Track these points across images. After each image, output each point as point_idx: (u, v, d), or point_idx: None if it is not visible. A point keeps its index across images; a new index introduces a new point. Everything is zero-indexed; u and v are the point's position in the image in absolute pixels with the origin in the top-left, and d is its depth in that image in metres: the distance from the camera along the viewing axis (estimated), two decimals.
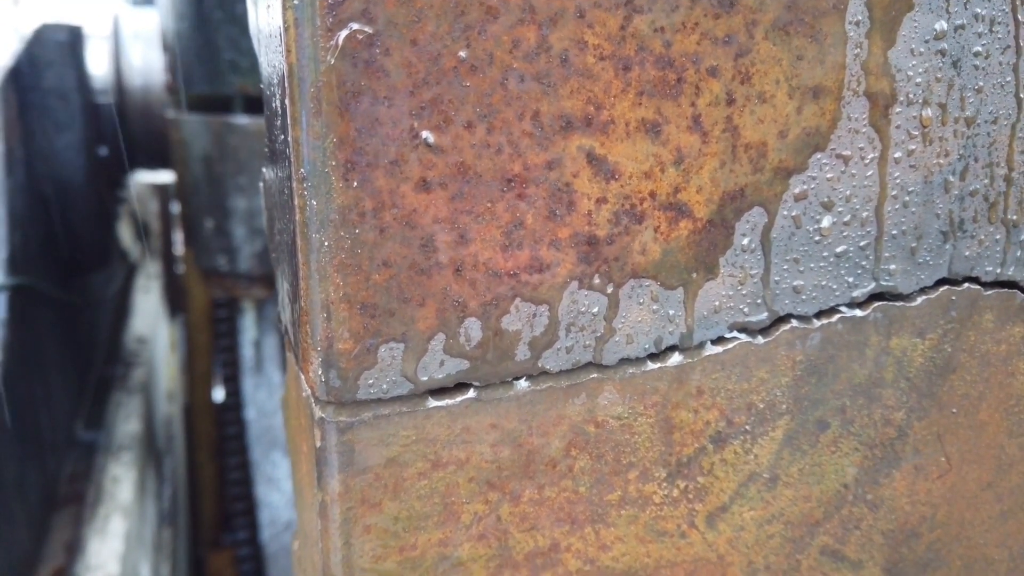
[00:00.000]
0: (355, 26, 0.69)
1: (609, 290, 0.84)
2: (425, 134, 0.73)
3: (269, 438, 3.68)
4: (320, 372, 0.76)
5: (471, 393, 0.82)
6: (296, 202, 0.74)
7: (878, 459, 1.03)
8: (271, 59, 0.78)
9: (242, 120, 2.93)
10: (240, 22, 2.84)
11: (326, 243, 0.73)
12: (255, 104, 2.92)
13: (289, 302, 0.86)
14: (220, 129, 3.02)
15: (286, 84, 0.71)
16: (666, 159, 0.82)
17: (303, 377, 0.81)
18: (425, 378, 0.79)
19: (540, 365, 0.83)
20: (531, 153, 0.77)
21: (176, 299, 4.24)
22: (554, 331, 0.83)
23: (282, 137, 0.77)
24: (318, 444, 0.79)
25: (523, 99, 0.76)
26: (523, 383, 0.83)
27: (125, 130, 3.66)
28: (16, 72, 2.86)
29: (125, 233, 4.33)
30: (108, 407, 3.38)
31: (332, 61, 0.69)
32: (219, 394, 3.49)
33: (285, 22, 0.69)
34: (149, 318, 4.17)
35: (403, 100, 0.72)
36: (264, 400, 3.73)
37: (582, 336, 0.84)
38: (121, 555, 2.65)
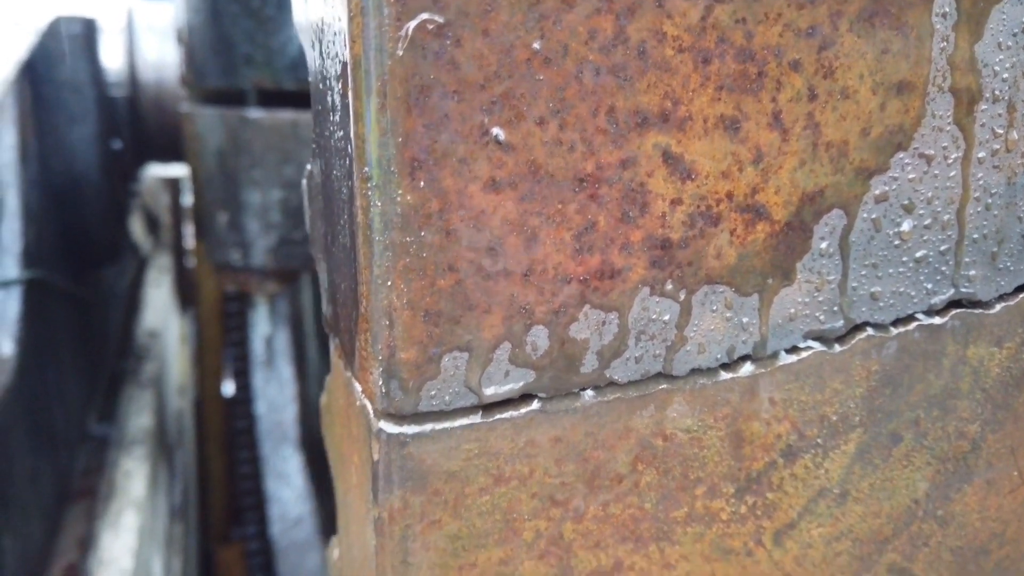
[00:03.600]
0: (425, 15, 0.64)
1: (682, 296, 0.79)
2: (496, 131, 0.69)
3: (279, 433, 3.65)
4: (380, 383, 0.72)
5: (535, 405, 0.77)
6: (358, 202, 0.69)
7: (950, 473, 0.98)
8: (328, 50, 0.74)
9: (257, 114, 2.90)
10: (256, 16, 2.79)
11: (390, 246, 0.68)
12: (269, 98, 2.88)
13: (339, 305, 0.81)
14: (234, 123, 2.99)
15: (349, 77, 0.67)
16: (744, 158, 0.77)
17: (358, 386, 0.77)
18: (489, 390, 0.75)
19: (608, 375, 0.79)
20: (605, 151, 0.73)
21: (187, 293, 4.22)
22: (623, 339, 0.78)
23: (340, 133, 0.72)
24: (376, 457, 0.74)
25: (598, 93, 0.71)
26: (590, 394, 0.79)
27: (138, 123, 3.64)
28: (30, 65, 2.83)
29: (137, 226, 4.31)
30: (120, 401, 3.37)
31: (400, 53, 0.64)
32: (229, 388, 3.47)
33: (351, 11, 0.65)
34: (160, 312, 4.15)
35: (473, 94, 0.67)
36: (275, 395, 3.70)
37: (652, 345, 0.80)
38: (134, 550, 2.63)
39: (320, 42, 0.78)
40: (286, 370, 3.81)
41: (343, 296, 0.80)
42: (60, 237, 2.97)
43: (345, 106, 0.70)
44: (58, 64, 3.12)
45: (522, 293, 0.73)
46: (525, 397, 0.77)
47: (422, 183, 0.68)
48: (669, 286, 0.78)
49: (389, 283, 0.69)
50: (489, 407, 0.76)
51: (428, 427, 0.74)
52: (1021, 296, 0.94)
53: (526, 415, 0.77)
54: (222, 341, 3.45)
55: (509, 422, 0.76)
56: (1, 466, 2.02)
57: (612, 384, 0.79)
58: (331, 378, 0.92)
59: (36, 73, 2.91)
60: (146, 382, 3.52)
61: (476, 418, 0.75)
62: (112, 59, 3.60)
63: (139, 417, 3.31)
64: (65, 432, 2.75)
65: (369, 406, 0.74)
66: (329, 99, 0.76)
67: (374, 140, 0.66)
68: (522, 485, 0.78)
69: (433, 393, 0.73)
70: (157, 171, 4.20)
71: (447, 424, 0.74)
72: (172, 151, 3.62)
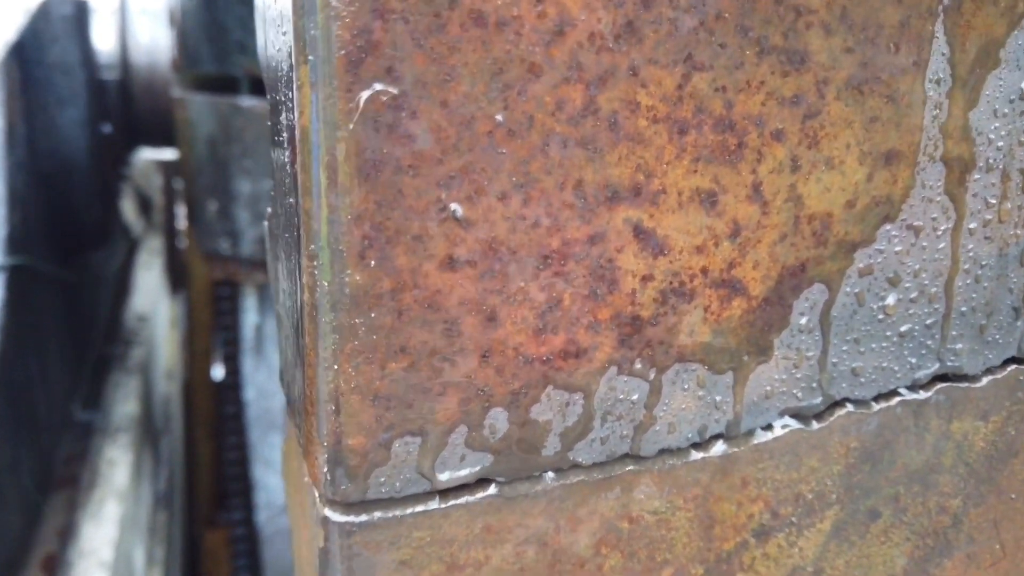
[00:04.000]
0: (379, 86, 0.60)
1: (651, 376, 0.75)
2: (454, 206, 0.64)
3: (268, 419, 3.62)
4: (326, 469, 0.67)
5: (493, 489, 0.73)
6: (304, 280, 0.64)
7: (930, 548, 0.94)
8: (286, 114, 0.69)
9: (249, 102, 2.85)
10: (249, 2, 2.74)
11: (337, 328, 0.64)
12: (262, 86, 2.83)
13: (287, 369, 0.77)
14: (226, 111, 2.95)
15: (297, 148, 0.62)
16: (721, 232, 0.73)
17: (306, 465, 0.72)
18: (444, 476, 0.71)
19: (571, 458, 0.75)
20: (572, 227, 0.68)
21: (178, 275, 4.17)
22: (588, 421, 0.74)
23: (291, 201, 0.68)
24: (321, 545, 0.70)
25: (565, 167, 0.66)
26: (551, 477, 0.75)
27: (129, 107, 3.58)
28: (20, 46, 2.77)
29: (128, 208, 4.26)
30: (106, 387, 3.33)
31: (351, 126, 0.60)
32: (219, 372, 3.44)
33: (299, 80, 0.60)
34: (150, 295, 4.10)
35: (430, 169, 0.63)
36: (264, 381, 3.67)
37: (619, 425, 0.75)
38: (115, 541, 2.60)
39: (275, 85, 0.73)
40: (275, 357, 3.77)
41: (290, 364, 0.75)
42: (47, 221, 2.92)
43: (294, 175, 0.65)
44: (48, 46, 3.06)
45: (480, 375, 0.69)
46: (482, 481, 0.73)
47: (373, 262, 0.63)
48: (638, 365, 0.74)
49: (336, 367, 0.65)
50: (444, 492, 0.72)
51: (377, 515, 0.70)
52: (1011, 369, 0.90)
53: (483, 500, 0.73)
54: (213, 325, 3.42)
55: (464, 508, 0.72)
56: None
57: (576, 466, 0.75)
58: (286, 438, 0.88)
59: (26, 54, 2.85)
60: (133, 368, 3.48)
61: (429, 505, 0.71)
62: (104, 41, 3.54)
63: (125, 404, 3.27)
64: (48, 419, 2.72)
65: (315, 491, 0.70)
66: (281, 156, 0.71)
67: (322, 217, 0.62)
68: (477, 572, 0.74)
69: (383, 480, 0.69)
70: (150, 153, 4.15)
71: (397, 512, 0.70)
72: (163, 136, 3.57)
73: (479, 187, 0.64)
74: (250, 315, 3.88)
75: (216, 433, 3.48)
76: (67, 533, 2.57)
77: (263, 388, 3.60)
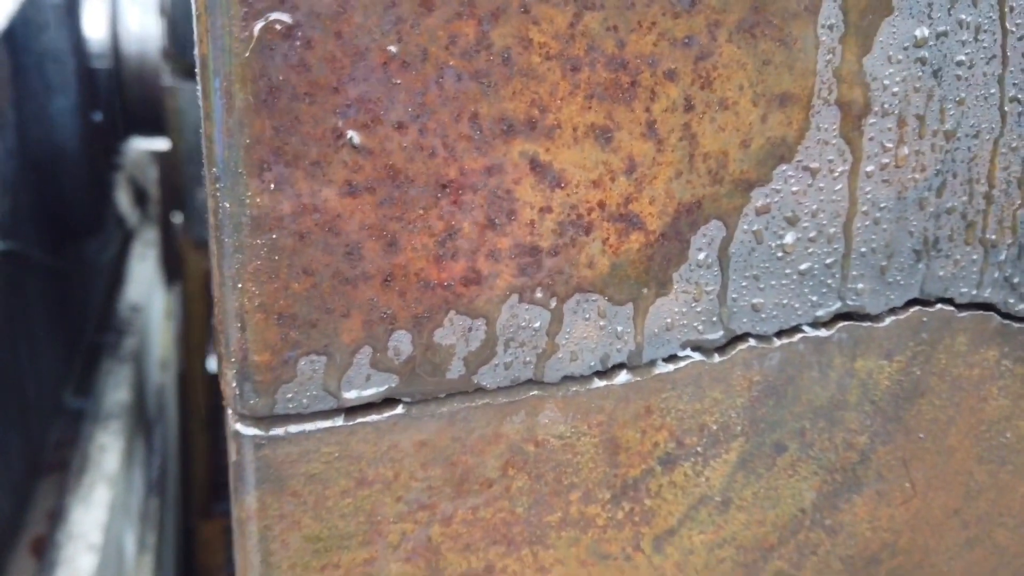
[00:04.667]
0: (273, 16, 0.64)
1: (552, 304, 0.79)
2: (351, 134, 0.68)
3: None
4: (235, 384, 0.72)
5: (399, 409, 0.77)
6: (210, 204, 0.69)
7: (838, 484, 0.98)
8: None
9: None
10: None
11: (240, 248, 0.68)
12: None
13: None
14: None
15: (199, 76, 0.66)
16: (617, 167, 0.77)
17: (221, 384, 0.77)
18: (350, 394, 0.75)
19: (476, 381, 0.79)
20: (468, 157, 0.72)
21: (174, 267, 4.20)
22: (491, 346, 0.78)
23: (202, 130, 0.72)
24: (233, 458, 0.74)
25: (460, 99, 0.70)
26: (456, 400, 0.79)
27: (120, 96, 3.60)
28: (10, 33, 2.80)
29: (123, 199, 4.29)
30: (98, 375, 3.36)
31: (247, 54, 0.64)
32: (213, 364, 3.46)
33: (197, 9, 0.64)
34: (144, 286, 4.13)
35: (326, 97, 0.67)
36: None
37: (522, 352, 0.79)
38: (104, 524, 2.64)
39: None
40: None
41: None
42: (38, 209, 2.95)
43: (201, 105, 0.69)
44: (39, 33, 3.09)
45: (383, 298, 0.73)
46: (389, 401, 0.77)
47: (272, 186, 0.67)
48: (539, 294, 0.78)
49: (240, 285, 0.69)
50: (351, 411, 0.76)
51: (285, 429, 0.74)
52: (913, 310, 0.94)
53: (389, 419, 0.77)
54: (207, 317, 3.44)
55: (372, 426, 0.76)
56: None
57: (480, 390, 0.79)
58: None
59: (16, 42, 2.88)
60: (126, 356, 3.51)
61: (336, 421, 0.75)
62: (94, 30, 3.56)
63: (116, 392, 3.30)
64: (38, 405, 2.75)
65: (228, 409, 0.74)
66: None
67: (221, 141, 0.66)
68: (386, 488, 0.79)
69: (289, 396, 0.73)
70: (145, 143, 4.18)
71: (305, 427, 0.74)
72: (155, 124, 3.59)
73: (375, 116, 0.68)
74: None
75: (211, 424, 3.51)
76: (56, 516, 2.60)
77: None
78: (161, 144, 3.93)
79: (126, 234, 4.29)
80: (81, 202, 3.36)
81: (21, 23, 2.90)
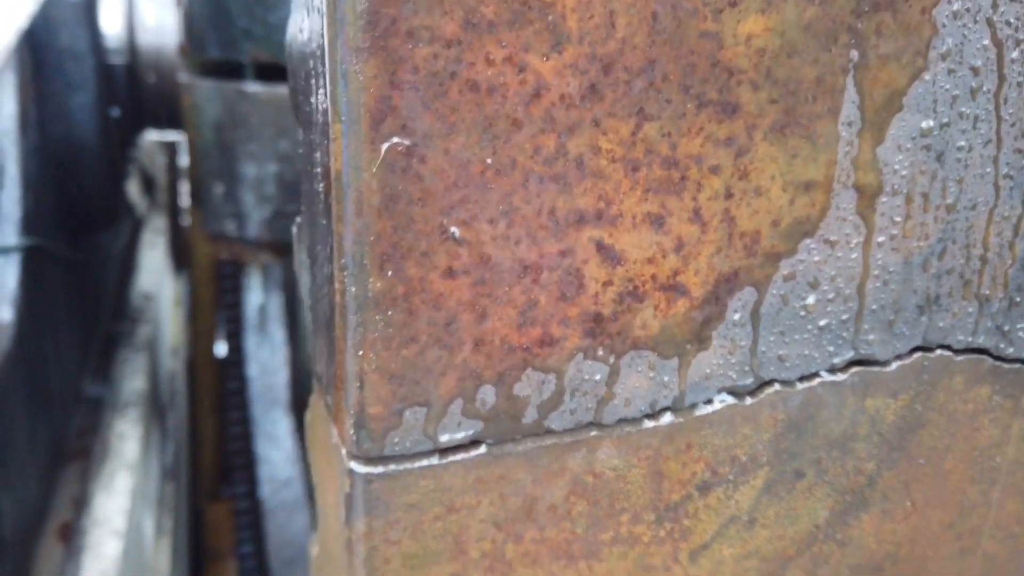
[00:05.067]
0: (396, 139, 0.78)
1: (611, 360, 0.93)
2: (453, 229, 0.82)
3: (270, 396, 3.74)
4: (352, 432, 0.86)
5: (483, 449, 0.92)
6: (336, 286, 0.83)
7: (848, 503, 1.13)
8: (319, 153, 0.87)
9: (254, 88, 2.91)
10: None
11: (362, 324, 0.82)
12: (267, 72, 2.92)
13: (319, 354, 0.96)
14: (232, 96, 3.01)
15: (332, 185, 0.80)
16: (668, 247, 0.91)
17: (335, 429, 0.91)
18: (444, 437, 0.89)
19: (546, 425, 0.93)
20: (546, 244, 0.86)
21: (182, 253, 4.23)
22: (560, 396, 0.93)
23: (324, 222, 0.86)
24: (347, 491, 0.89)
25: (541, 197, 0.85)
26: (530, 440, 0.93)
27: (137, 91, 3.67)
28: (31, 33, 2.86)
29: (133, 188, 4.34)
30: (114, 364, 3.44)
31: (374, 170, 0.78)
32: (222, 350, 3.52)
33: (334, 134, 0.78)
34: (155, 273, 4.18)
35: (435, 201, 0.81)
36: (266, 358, 3.79)
37: (585, 400, 0.94)
38: (127, 510, 2.73)
39: (311, 135, 0.90)
40: (278, 334, 3.89)
41: (322, 350, 0.94)
42: (58, 203, 3.01)
43: (328, 205, 0.83)
44: (59, 31, 3.14)
45: (473, 359, 0.88)
46: (475, 442, 0.92)
47: (390, 272, 0.81)
48: (600, 352, 0.92)
49: (360, 353, 0.83)
50: (444, 451, 0.91)
51: (391, 467, 0.89)
52: (916, 356, 1.09)
53: (475, 457, 0.92)
54: (215, 303, 3.50)
55: (460, 463, 0.91)
56: (1, 429, 2.10)
57: (549, 432, 0.94)
58: (312, 408, 1.07)
59: (37, 41, 2.94)
60: (140, 344, 3.60)
61: (432, 460, 0.90)
62: (111, 25, 3.61)
63: (133, 380, 3.39)
64: (61, 394, 2.83)
65: (343, 448, 0.89)
66: (314, 185, 0.89)
67: (350, 238, 0.80)
68: (471, 514, 0.94)
69: (396, 440, 0.88)
70: (154, 134, 4.22)
71: (407, 465, 0.89)
72: (170, 119, 3.65)
73: (473, 214, 0.83)
74: (254, 294, 4.00)
75: (219, 409, 3.59)
76: (81, 503, 2.70)
77: (266, 365, 3.72)
78: (172, 135, 3.98)
79: (136, 222, 4.33)
80: (98, 196, 3.43)
81: (42, 22, 2.94)
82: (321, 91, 0.81)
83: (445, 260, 0.83)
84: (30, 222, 2.48)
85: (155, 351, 3.69)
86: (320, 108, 0.82)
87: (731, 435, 1.02)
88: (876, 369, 1.07)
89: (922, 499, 1.18)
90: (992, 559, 1.27)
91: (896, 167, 0.98)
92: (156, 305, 3.92)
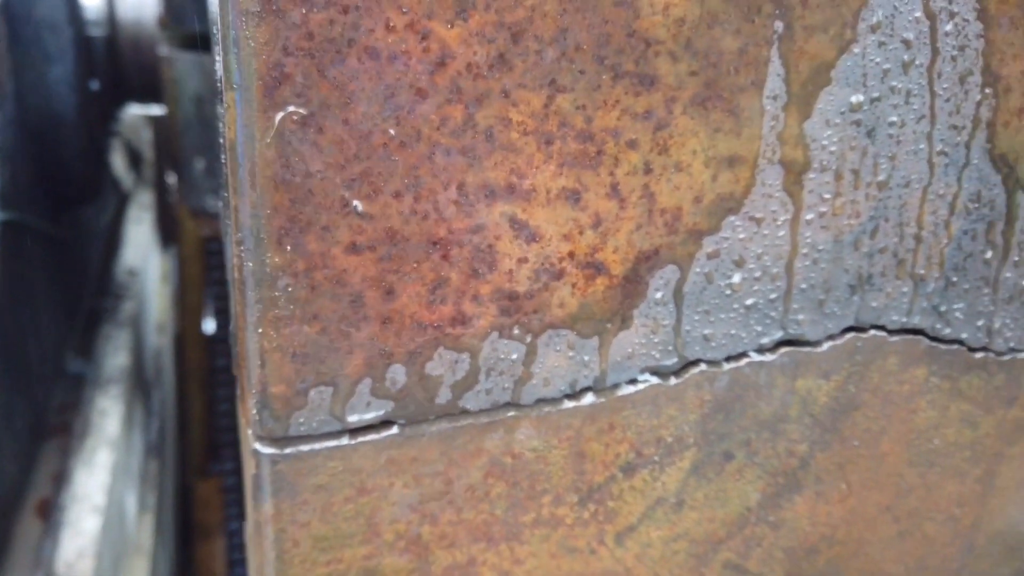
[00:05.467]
0: (291, 108, 0.75)
1: (528, 340, 0.91)
2: (355, 203, 0.80)
3: None
4: (255, 412, 0.84)
5: (394, 430, 0.90)
6: (234, 262, 0.80)
7: (781, 486, 1.12)
8: (221, 123, 0.84)
9: None
10: None
11: (260, 300, 0.80)
12: None
13: (235, 337, 0.93)
14: (212, 69, 3.00)
15: (227, 156, 0.77)
16: (585, 223, 0.89)
17: (241, 410, 0.89)
18: (353, 418, 0.87)
19: (461, 405, 0.91)
20: (456, 219, 0.84)
21: (169, 229, 4.22)
22: (475, 375, 0.91)
23: (226, 195, 0.83)
24: (252, 472, 0.87)
25: (449, 171, 0.82)
26: (444, 421, 0.91)
27: (117, 64, 3.64)
28: (7, 3, 2.83)
29: (118, 163, 4.32)
30: (97, 340, 3.44)
31: (268, 140, 0.75)
32: (210, 326, 3.51)
33: (226, 102, 0.75)
34: (141, 249, 4.17)
35: (335, 173, 0.78)
36: None
37: (501, 379, 0.92)
38: (107, 486, 2.74)
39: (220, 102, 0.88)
40: None
41: (233, 326, 0.91)
42: (37, 177, 2.99)
43: (226, 175, 0.80)
44: (36, 2, 3.11)
45: (381, 337, 0.85)
46: (386, 423, 0.90)
47: (288, 247, 0.79)
48: (516, 331, 0.90)
49: (260, 330, 0.81)
50: (353, 431, 0.89)
51: (298, 448, 0.86)
52: (848, 336, 1.07)
53: (386, 439, 0.90)
54: (203, 280, 3.48)
55: (371, 444, 0.89)
56: None
57: (465, 412, 0.92)
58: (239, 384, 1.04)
59: (12, 11, 2.91)
60: (124, 321, 3.59)
61: (342, 441, 0.88)
62: None
63: (116, 356, 3.39)
64: (40, 370, 2.83)
65: (248, 430, 0.87)
66: (222, 158, 0.87)
67: (246, 211, 0.77)
68: (383, 495, 0.92)
69: (302, 420, 0.86)
70: (140, 108, 4.19)
71: (314, 446, 0.87)
72: (151, 93, 3.63)
73: (376, 188, 0.80)
74: None
75: (208, 386, 3.59)
76: (61, 479, 2.70)
77: None
78: (156, 110, 3.96)
79: (121, 198, 4.32)
80: (79, 170, 3.41)
81: None
82: (218, 58, 0.78)
83: (348, 235, 0.81)
84: (7, 196, 2.45)
85: (140, 327, 3.66)
86: (217, 76, 0.79)
87: (656, 416, 1.01)
88: (807, 349, 1.05)
89: (858, 481, 1.16)
90: (932, 541, 1.26)
91: (824, 143, 0.95)
92: (141, 281, 3.89)
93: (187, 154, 3.32)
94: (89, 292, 3.67)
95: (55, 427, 2.96)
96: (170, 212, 4.03)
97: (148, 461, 3.53)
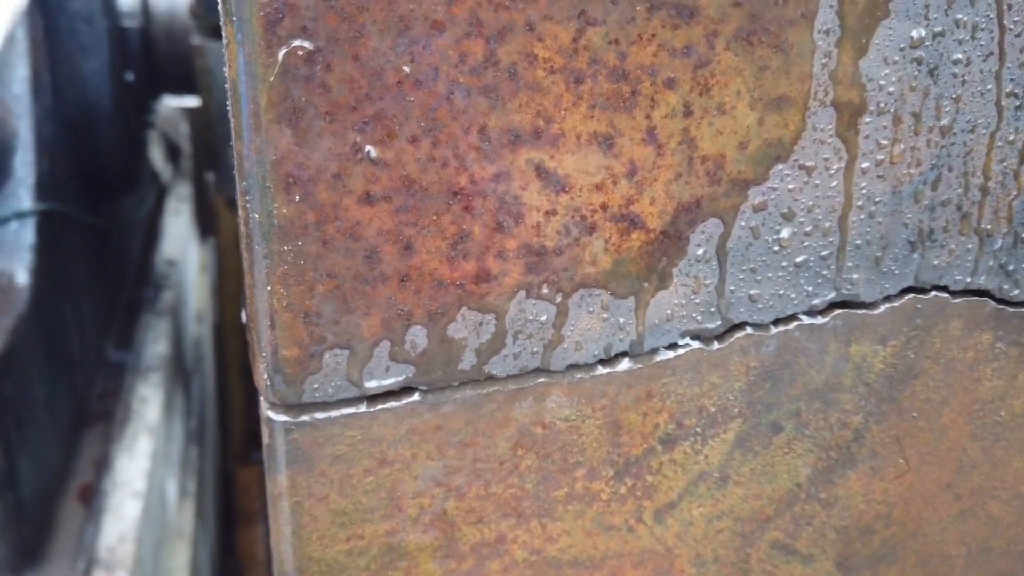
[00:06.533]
0: (296, 43, 0.69)
1: (558, 300, 0.84)
2: (368, 148, 0.74)
3: None
4: (266, 376, 0.79)
5: (416, 396, 0.84)
6: (241, 214, 0.75)
7: (833, 460, 1.04)
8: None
9: None
10: None
11: (269, 255, 0.74)
12: None
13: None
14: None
15: (230, 98, 0.72)
16: (619, 171, 0.82)
17: (253, 375, 0.84)
18: (371, 383, 0.81)
19: (486, 371, 0.85)
20: (478, 166, 0.77)
21: (207, 221, 4.28)
22: (501, 338, 0.84)
23: (231, 144, 0.78)
24: (266, 441, 0.82)
25: (470, 113, 0.75)
26: (469, 388, 0.85)
27: (151, 55, 3.65)
28: None
29: (156, 155, 4.37)
30: (137, 329, 3.47)
31: (272, 79, 0.69)
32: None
33: (226, 37, 0.69)
34: (179, 240, 4.22)
35: (345, 115, 0.72)
36: None
37: (530, 343, 0.85)
38: (147, 472, 2.76)
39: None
40: None
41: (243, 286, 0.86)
42: (74, 168, 3.02)
43: (230, 120, 0.75)
44: None
45: (400, 296, 0.79)
46: (407, 389, 0.84)
47: (297, 197, 0.73)
48: (545, 290, 0.84)
49: (269, 288, 0.75)
50: (372, 398, 0.83)
51: (312, 416, 0.81)
52: (908, 298, 0.98)
53: (407, 405, 0.84)
54: (241, 269, 3.51)
55: (391, 412, 0.83)
56: (16, 390, 2.13)
57: (491, 378, 0.86)
58: None
59: (49, 3, 2.93)
60: (163, 310, 3.62)
61: (360, 408, 0.82)
62: None
63: (156, 345, 3.42)
64: (82, 358, 2.86)
65: (260, 396, 0.82)
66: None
67: (251, 157, 0.72)
68: (405, 468, 0.86)
69: (316, 386, 0.80)
70: (177, 101, 4.23)
71: (330, 413, 0.81)
72: (185, 83, 3.64)
73: (391, 131, 0.74)
74: None
75: (247, 374, 3.60)
76: (102, 465, 2.73)
77: None
78: (192, 101, 3.98)
79: (160, 190, 4.38)
80: (116, 161, 3.44)
81: None
82: None
83: (361, 184, 0.75)
84: (45, 186, 2.48)
85: (179, 317, 3.69)
86: (220, 12, 0.74)
87: (697, 383, 0.93)
88: (862, 312, 0.97)
89: (916, 456, 1.08)
90: (996, 522, 1.17)
91: (882, 83, 0.87)
92: (180, 271, 3.93)
93: (221, 143, 3.32)
94: (129, 282, 3.70)
95: (96, 414, 2.99)
96: (208, 204, 4.06)
97: (188, 448, 3.55)
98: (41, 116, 2.57)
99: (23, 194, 2.45)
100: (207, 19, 3.31)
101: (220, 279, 3.68)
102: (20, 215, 2.44)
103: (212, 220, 3.88)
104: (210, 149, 3.47)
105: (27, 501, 2.15)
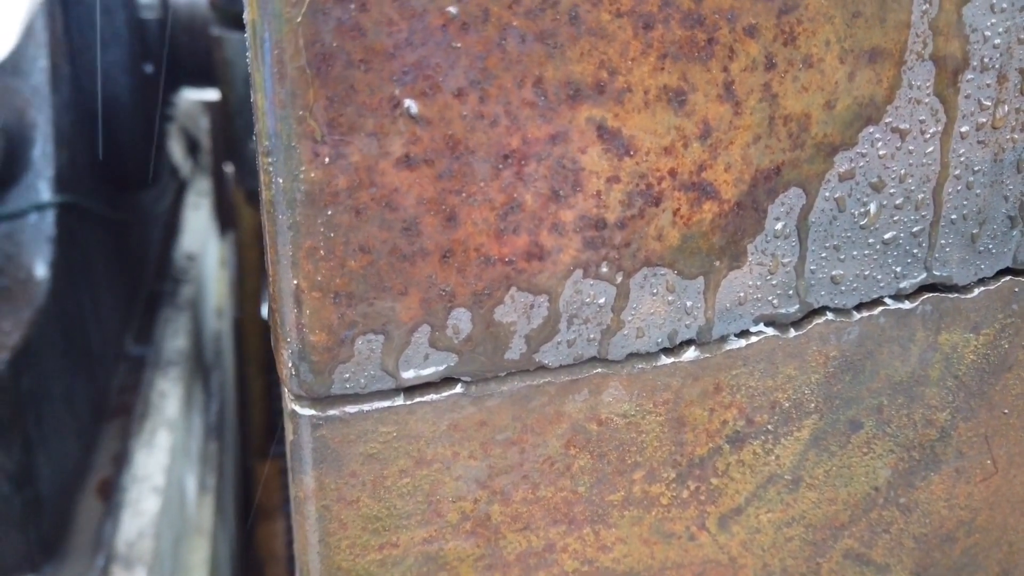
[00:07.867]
0: None
1: (618, 279, 0.75)
2: (408, 103, 0.64)
3: None
4: (291, 364, 0.69)
5: (458, 388, 0.74)
6: (262, 178, 0.65)
7: (915, 461, 0.93)
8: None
9: None
10: None
11: (294, 225, 0.65)
12: None
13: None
14: None
15: (249, 44, 0.62)
16: (690, 132, 0.72)
17: (277, 363, 0.74)
18: (408, 373, 0.72)
19: (537, 360, 0.75)
20: (532, 125, 0.67)
21: (226, 216, 4.26)
22: (554, 323, 0.74)
23: (253, 100, 0.68)
24: (290, 438, 0.72)
25: (524, 63, 0.66)
26: (517, 379, 0.76)
27: (170, 47, 3.59)
28: None
29: (176, 149, 4.33)
30: (157, 323, 3.43)
31: (299, 19, 0.60)
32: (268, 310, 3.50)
33: None
34: (199, 235, 4.19)
35: (382, 63, 0.62)
36: None
37: (586, 329, 0.76)
38: (166, 467, 2.71)
39: None
40: None
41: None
42: (93, 161, 2.99)
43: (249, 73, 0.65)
44: None
45: (441, 275, 0.70)
46: (448, 380, 0.74)
47: (327, 159, 0.64)
48: (604, 268, 0.74)
49: (294, 264, 0.66)
50: (409, 390, 0.73)
51: (343, 410, 0.71)
52: (1005, 280, 0.88)
53: (448, 398, 0.74)
54: (261, 264, 3.50)
55: (430, 405, 0.74)
56: (35, 385, 2.08)
57: (542, 368, 0.76)
58: None
59: None
60: (183, 304, 3.58)
61: (395, 401, 0.73)
62: None
63: (175, 339, 3.37)
64: (101, 352, 2.82)
65: (284, 387, 0.72)
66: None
67: (274, 112, 0.62)
68: (445, 468, 0.76)
69: (347, 376, 0.70)
70: (196, 94, 4.19)
71: (363, 407, 0.72)
72: (204, 76, 3.59)
73: (434, 83, 0.64)
74: None
75: (267, 369, 3.58)
76: (121, 460, 2.68)
77: None
78: (212, 94, 3.92)
79: (180, 184, 4.34)
80: (135, 154, 3.40)
81: None
82: None
83: (400, 144, 0.65)
84: (64, 179, 2.43)
85: (198, 311, 3.66)
86: None
87: (771, 375, 0.83)
88: (954, 296, 0.87)
89: (1005, 457, 0.97)
90: None
91: (987, 34, 0.77)
92: (200, 266, 3.90)
93: (241, 135, 3.28)
94: (149, 276, 3.67)
95: (116, 408, 2.96)
96: (228, 199, 4.02)
97: (208, 442, 3.51)
98: (60, 108, 2.52)
99: (42, 186, 2.41)
100: (226, 10, 3.25)
101: (240, 274, 3.64)
102: (39, 207, 2.40)
103: (232, 214, 3.85)
104: (230, 143, 3.43)
105: (46, 496, 2.10)
